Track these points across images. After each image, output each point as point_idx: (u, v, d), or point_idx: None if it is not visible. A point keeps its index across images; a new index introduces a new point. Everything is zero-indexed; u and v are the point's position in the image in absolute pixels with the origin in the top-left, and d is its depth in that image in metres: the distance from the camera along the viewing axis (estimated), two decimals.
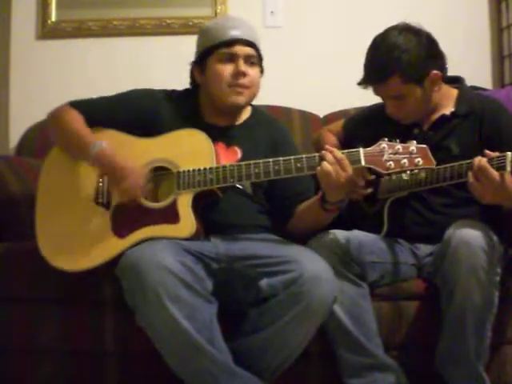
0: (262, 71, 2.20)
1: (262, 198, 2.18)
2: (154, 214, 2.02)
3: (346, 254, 2.06)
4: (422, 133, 2.19)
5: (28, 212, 2.18)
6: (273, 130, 2.26)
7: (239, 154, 2.13)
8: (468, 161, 2.00)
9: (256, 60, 2.16)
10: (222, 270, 1.99)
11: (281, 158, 1.98)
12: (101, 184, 2.10)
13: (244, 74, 2.11)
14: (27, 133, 2.89)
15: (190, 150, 2.06)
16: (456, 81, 2.29)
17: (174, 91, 2.25)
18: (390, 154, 1.91)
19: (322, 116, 2.93)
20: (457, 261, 1.96)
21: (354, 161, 1.92)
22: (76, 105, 2.16)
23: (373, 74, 2.14)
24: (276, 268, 1.94)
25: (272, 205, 2.20)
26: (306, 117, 2.92)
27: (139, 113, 2.14)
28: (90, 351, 2.18)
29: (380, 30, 2.34)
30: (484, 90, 2.66)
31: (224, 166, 2.01)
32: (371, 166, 1.92)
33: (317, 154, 1.96)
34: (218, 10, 3.04)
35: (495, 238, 2.02)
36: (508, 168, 1.90)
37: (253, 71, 2.14)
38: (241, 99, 2.13)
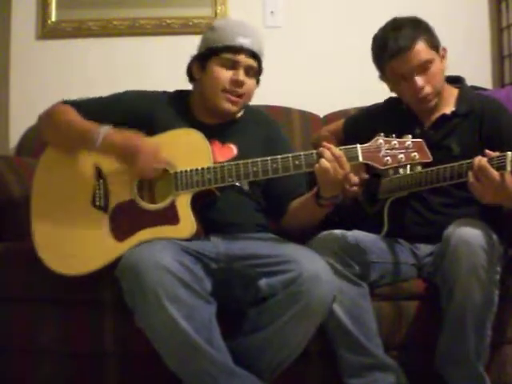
0: (257, 82, 2.20)
1: (260, 196, 2.19)
2: (153, 216, 2.02)
3: (346, 254, 2.06)
4: (423, 132, 2.19)
5: (28, 212, 2.18)
6: (266, 126, 2.27)
7: (235, 151, 2.13)
8: (468, 161, 2.00)
9: (254, 72, 2.17)
10: (221, 270, 1.99)
11: (279, 156, 1.98)
12: (98, 186, 2.09)
13: (242, 84, 2.11)
14: (27, 133, 2.89)
15: (186, 149, 2.06)
16: (457, 81, 2.29)
17: (165, 92, 2.25)
18: (387, 149, 1.92)
19: (322, 116, 2.93)
20: (457, 260, 1.96)
21: (352, 157, 1.93)
22: (69, 103, 2.16)
23: (402, 41, 2.12)
24: (275, 268, 1.94)
25: (266, 202, 2.21)
26: (306, 117, 2.92)
27: (133, 114, 2.14)
28: (89, 352, 2.18)
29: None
30: (484, 89, 2.66)
31: (222, 166, 2.01)
32: (369, 162, 1.93)
33: (314, 151, 1.96)
34: (218, 10, 3.04)
35: (495, 236, 2.02)
36: (508, 168, 1.90)
37: (250, 82, 2.15)
38: (233, 108, 2.15)
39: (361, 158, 1.92)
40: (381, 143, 1.92)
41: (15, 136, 2.94)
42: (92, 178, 2.10)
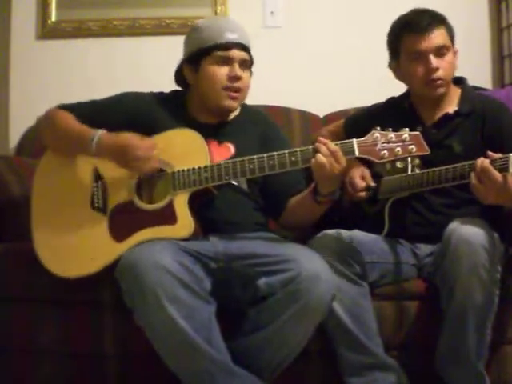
0: (251, 74, 2.20)
1: (258, 194, 2.19)
2: (151, 216, 2.02)
3: (346, 254, 2.07)
4: (425, 131, 2.20)
5: (28, 212, 2.18)
6: (263, 125, 2.26)
7: (232, 150, 2.13)
8: (470, 162, 2.00)
9: (248, 64, 2.16)
10: (220, 270, 1.99)
11: (275, 153, 1.98)
12: (96, 188, 2.09)
13: (240, 78, 2.12)
14: (27, 133, 2.89)
15: (183, 149, 2.06)
16: (459, 81, 2.29)
17: (161, 93, 2.25)
18: (384, 143, 1.91)
19: (322, 116, 2.93)
20: (457, 259, 1.96)
21: (348, 152, 1.92)
22: (65, 107, 2.16)
23: (425, 21, 2.16)
24: (274, 267, 1.93)
25: (264, 200, 2.21)
26: (306, 117, 2.92)
27: (130, 116, 2.14)
28: (89, 352, 2.18)
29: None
30: (484, 89, 2.66)
31: (218, 164, 2.01)
32: (365, 156, 1.93)
33: (311, 147, 1.96)
34: (218, 10, 3.04)
35: (496, 235, 2.02)
36: (511, 169, 1.91)
37: (246, 75, 2.15)
38: (234, 103, 2.15)
39: (357, 153, 1.92)
40: (377, 137, 1.91)
41: (15, 136, 2.94)
42: (91, 179, 2.10)
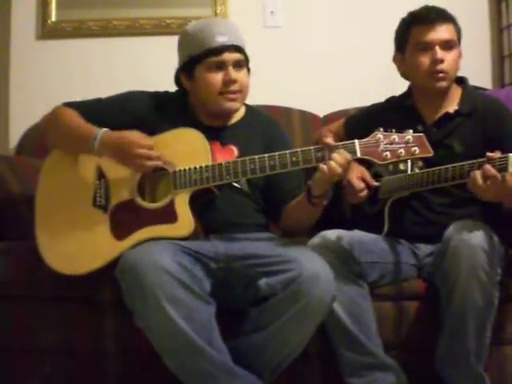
0: (248, 70, 2.17)
1: (259, 196, 2.19)
2: (152, 215, 2.02)
3: (346, 254, 2.07)
4: (426, 130, 2.20)
5: (28, 212, 2.18)
6: (268, 128, 2.25)
7: (236, 153, 2.12)
8: (470, 161, 2.01)
9: (243, 63, 2.14)
10: (221, 270, 1.99)
11: (276, 153, 1.98)
12: (98, 186, 2.10)
13: (235, 81, 2.10)
14: (27, 133, 2.89)
15: (185, 149, 2.06)
16: (460, 81, 2.30)
17: (166, 92, 2.24)
18: (386, 144, 1.90)
19: (321, 116, 2.93)
20: (457, 261, 1.96)
21: (350, 152, 1.92)
22: (70, 105, 2.16)
23: (435, 14, 2.20)
24: (275, 267, 1.93)
25: (265, 204, 2.20)
26: (306, 117, 2.92)
27: (135, 115, 2.14)
28: (89, 351, 2.18)
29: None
30: (484, 89, 2.66)
31: (220, 164, 2.01)
32: (367, 157, 1.92)
33: (312, 148, 1.96)
34: (218, 10, 3.04)
35: (495, 237, 2.02)
36: (510, 169, 1.91)
37: (241, 75, 2.12)
38: (234, 105, 2.13)
39: (359, 153, 1.91)
40: (379, 138, 1.90)
41: (15, 136, 2.94)
42: (94, 177, 2.11)
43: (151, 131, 2.10)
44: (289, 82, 3.02)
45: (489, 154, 1.96)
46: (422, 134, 1.91)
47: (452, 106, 2.24)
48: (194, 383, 1.89)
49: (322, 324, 1.99)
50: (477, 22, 3.07)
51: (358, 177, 2.15)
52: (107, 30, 3.04)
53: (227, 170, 2.00)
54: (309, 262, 1.92)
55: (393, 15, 2.31)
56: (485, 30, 3.09)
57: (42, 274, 2.10)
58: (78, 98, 2.21)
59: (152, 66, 2.99)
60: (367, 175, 2.19)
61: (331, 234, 2.11)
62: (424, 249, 2.20)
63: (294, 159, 1.97)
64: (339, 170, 1.90)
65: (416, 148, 1.88)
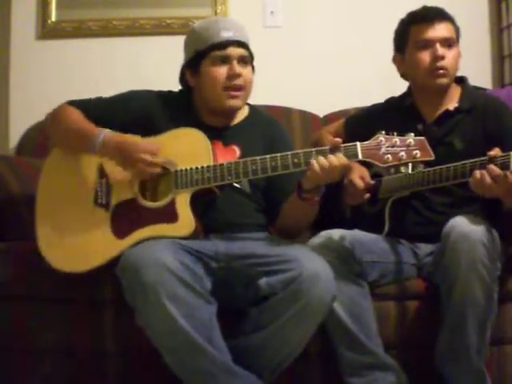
0: (253, 69, 2.19)
1: (260, 197, 2.18)
2: (153, 214, 2.02)
3: (346, 253, 2.07)
4: (426, 128, 2.20)
5: (28, 212, 2.18)
6: (271, 128, 2.25)
7: (238, 153, 2.12)
8: (471, 160, 2.01)
9: (248, 60, 2.15)
10: (221, 269, 1.99)
11: (278, 154, 1.98)
12: (100, 185, 2.10)
13: (239, 75, 2.11)
14: (27, 133, 2.89)
15: (187, 148, 2.06)
16: (460, 80, 2.30)
17: (170, 92, 2.24)
18: (388, 147, 1.90)
19: (321, 116, 2.93)
20: (456, 255, 1.96)
21: (351, 155, 1.92)
22: (74, 103, 2.16)
23: (434, 13, 2.22)
24: (275, 267, 1.93)
25: (266, 205, 2.20)
26: (306, 117, 2.92)
27: (136, 115, 2.14)
28: (89, 351, 2.18)
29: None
30: (484, 90, 2.66)
31: (221, 164, 2.01)
32: (368, 160, 1.92)
33: (314, 149, 1.96)
34: (218, 10, 3.04)
35: (495, 232, 2.02)
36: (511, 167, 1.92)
37: (246, 71, 2.13)
38: (237, 102, 2.13)
39: (360, 156, 1.92)
40: (381, 140, 1.91)
41: (15, 136, 2.94)
42: (95, 176, 2.11)
43: (153, 130, 2.10)
44: (289, 82, 3.02)
45: (490, 152, 1.96)
46: (423, 138, 1.91)
47: (452, 104, 2.25)
48: (193, 382, 1.89)
49: (322, 324, 1.99)
50: (477, 21, 3.07)
51: (358, 176, 2.15)
52: (107, 30, 3.04)
53: (229, 170, 2.00)
54: (309, 262, 1.92)
55: (393, 15, 2.31)
56: (485, 30, 3.09)
57: (42, 273, 2.10)
58: (79, 98, 2.21)
59: (152, 66, 2.99)
60: (367, 175, 2.19)
61: (331, 233, 2.11)
62: (424, 248, 2.20)
63: (295, 160, 1.97)
64: (321, 173, 1.90)
65: (417, 151, 1.89)
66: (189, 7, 3.05)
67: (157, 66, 2.98)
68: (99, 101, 2.19)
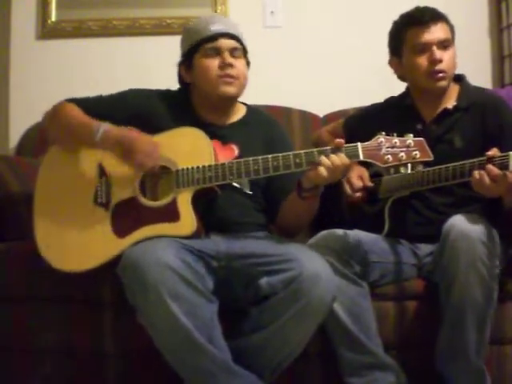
0: (248, 63, 2.20)
1: (260, 196, 2.19)
2: (154, 213, 2.02)
3: (346, 254, 2.07)
4: (425, 127, 2.20)
5: (28, 212, 2.17)
6: (269, 128, 2.26)
7: (236, 151, 2.13)
8: (471, 160, 2.01)
9: (241, 52, 2.16)
10: (222, 269, 1.99)
11: (280, 154, 1.98)
12: (100, 184, 2.10)
13: (231, 65, 2.12)
14: (27, 133, 2.89)
15: (188, 148, 2.06)
16: (458, 78, 2.30)
17: (169, 91, 2.25)
18: (388, 147, 1.92)
19: (321, 116, 2.93)
20: (455, 254, 1.96)
21: (352, 155, 1.93)
22: (73, 101, 2.17)
23: (429, 15, 2.21)
24: (276, 266, 1.94)
25: (266, 203, 2.21)
26: (306, 117, 2.92)
27: (135, 112, 2.14)
28: (89, 351, 2.18)
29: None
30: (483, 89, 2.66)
31: (223, 164, 2.01)
32: (369, 160, 1.93)
33: (315, 150, 1.96)
34: (218, 10, 3.04)
35: (494, 231, 2.02)
36: (511, 168, 1.92)
37: (239, 63, 2.15)
38: (231, 89, 2.14)
39: (361, 157, 1.92)
40: (381, 141, 1.92)
41: (15, 136, 2.94)
42: (95, 175, 2.10)
43: (153, 128, 2.10)
44: (289, 82, 3.02)
45: (488, 153, 1.97)
46: (422, 139, 1.92)
47: (450, 103, 2.25)
48: (194, 381, 1.89)
49: (322, 324, 1.99)
50: (477, 22, 3.07)
51: (357, 176, 2.16)
52: (107, 30, 3.04)
53: (230, 170, 2.00)
54: (309, 262, 1.93)
55: (393, 15, 2.31)
56: (485, 30, 3.09)
57: (42, 274, 2.09)
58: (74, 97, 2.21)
59: (152, 66, 2.99)
60: (366, 176, 2.19)
61: (331, 233, 2.11)
62: (424, 248, 2.20)
63: (297, 161, 1.97)
64: (326, 173, 1.91)
65: (417, 152, 1.91)
66: (189, 7, 3.05)
67: (157, 65, 2.98)
68: (99, 99, 2.19)
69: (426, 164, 2.05)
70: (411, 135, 1.92)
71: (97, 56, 3.04)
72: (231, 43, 2.13)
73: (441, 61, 2.18)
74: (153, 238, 1.95)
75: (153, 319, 1.87)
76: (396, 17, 2.30)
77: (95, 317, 2.16)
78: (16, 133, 2.94)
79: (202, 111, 2.20)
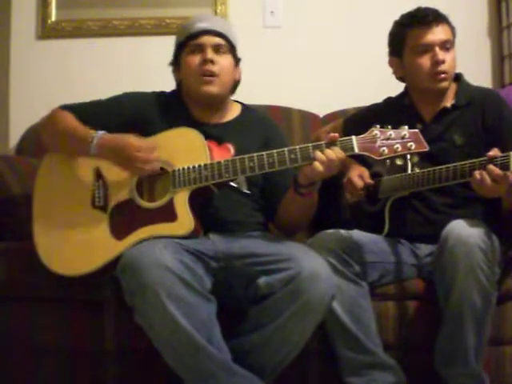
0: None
1: (258, 195, 2.19)
2: (152, 214, 2.02)
3: (345, 253, 2.07)
4: (425, 127, 2.21)
5: (28, 212, 2.18)
6: (265, 127, 2.26)
7: (232, 151, 2.13)
8: (471, 161, 2.01)
9: (226, 49, 2.17)
10: (221, 269, 1.99)
11: (274, 151, 1.98)
12: (97, 187, 2.10)
13: (212, 62, 2.13)
14: (27, 133, 2.88)
15: (183, 148, 2.07)
16: (456, 77, 2.30)
17: (163, 93, 2.26)
18: (383, 139, 1.91)
19: (321, 116, 2.93)
20: (454, 260, 1.96)
21: (347, 148, 1.93)
22: (67, 108, 2.17)
23: (431, 16, 2.21)
24: (274, 266, 1.94)
25: (264, 202, 2.21)
26: (306, 117, 2.92)
27: (132, 117, 2.15)
28: (89, 351, 2.18)
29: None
30: None
31: (218, 162, 2.01)
32: (364, 153, 1.93)
33: (310, 145, 1.96)
34: (218, 10, 3.04)
35: (494, 236, 2.02)
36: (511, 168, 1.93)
37: (222, 59, 2.16)
38: (211, 88, 2.15)
39: (356, 149, 1.92)
40: (376, 134, 1.92)
41: (15, 136, 2.94)
42: (92, 178, 2.11)
43: (148, 131, 2.11)
44: (289, 82, 3.02)
45: (489, 153, 1.97)
46: (417, 130, 1.93)
47: (449, 101, 2.26)
48: (194, 381, 1.89)
49: (322, 323, 2.00)
50: (477, 22, 3.07)
51: (358, 175, 2.16)
52: (107, 30, 3.04)
53: (226, 168, 2.00)
54: (308, 261, 1.93)
55: (393, 15, 2.31)
56: (485, 30, 3.09)
57: (42, 274, 2.09)
58: (78, 98, 2.21)
59: (152, 66, 2.98)
60: (367, 174, 2.19)
61: (331, 233, 2.11)
62: (424, 249, 2.20)
63: (292, 156, 1.97)
64: (321, 168, 1.91)
65: (412, 143, 1.90)
66: (189, 7, 3.05)
67: (157, 65, 2.95)
68: (93, 104, 2.19)
69: (428, 162, 2.06)
70: (406, 127, 1.92)
71: (97, 56, 3.03)
72: (214, 40, 2.15)
73: (443, 62, 2.18)
74: (151, 239, 1.95)
75: (151, 320, 1.87)
76: (397, 17, 2.30)
77: (95, 317, 2.16)
78: (16, 133, 2.93)
79: (194, 111, 2.20)
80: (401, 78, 2.33)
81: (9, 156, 2.85)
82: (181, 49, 2.18)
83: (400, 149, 1.90)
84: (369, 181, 2.19)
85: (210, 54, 2.13)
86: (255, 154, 1.99)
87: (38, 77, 3.01)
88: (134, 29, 3.05)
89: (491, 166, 1.94)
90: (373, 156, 1.92)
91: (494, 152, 1.97)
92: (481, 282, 1.94)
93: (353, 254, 2.08)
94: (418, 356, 2.16)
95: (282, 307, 1.91)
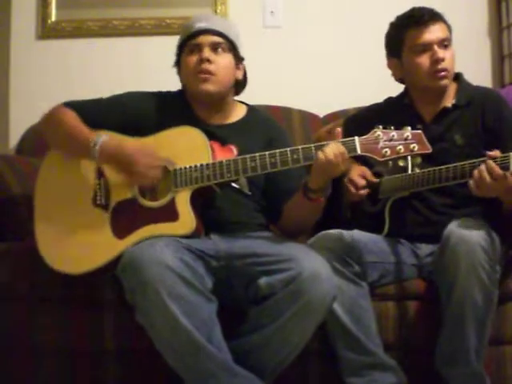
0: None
1: (260, 197, 2.19)
2: (153, 213, 2.02)
3: (345, 254, 2.07)
4: (425, 127, 2.20)
5: (28, 212, 2.18)
6: (269, 128, 2.26)
7: (235, 152, 2.13)
8: (471, 161, 2.02)
9: (225, 47, 2.17)
10: (222, 268, 1.99)
11: (277, 151, 1.98)
12: (99, 185, 2.10)
13: (208, 61, 2.12)
14: (27, 133, 2.89)
15: (185, 147, 2.06)
16: (455, 76, 2.30)
17: (168, 92, 2.26)
18: (385, 141, 1.91)
19: (321, 116, 2.93)
20: (456, 259, 1.96)
21: (350, 149, 1.93)
22: (70, 105, 2.16)
23: (428, 15, 2.21)
24: (275, 266, 1.94)
25: (266, 204, 2.20)
26: (306, 117, 2.92)
27: (134, 116, 2.15)
28: (89, 351, 2.18)
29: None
30: None
31: (220, 162, 2.01)
32: (367, 154, 1.93)
33: (312, 145, 1.96)
34: (218, 10, 3.04)
35: (495, 235, 2.02)
36: (511, 168, 1.93)
37: (220, 58, 2.15)
38: (208, 86, 2.14)
39: (359, 150, 1.92)
40: (379, 135, 1.92)
41: (15, 136, 2.94)
42: (93, 177, 2.11)
43: (151, 131, 2.11)
44: (289, 82, 3.02)
45: (490, 153, 1.97)
46: (420, 131, 1.92)
47: (449, 101, 2.26)
48: (194, 381, 1.89)
49: (322, 323, 1.99)
50: (477, 21, 3.07)
51: (359, 174, 2.17)
52: (107, 30, 3.05)
53: (228, 167, 2.00)
54: (309, 261, 1.93)
55: (393, 15, 2.31)
56: (485, 30, 3.09)
57: (42, 274, 2.10)
58: (78, 98, 2.20)
59: (152, 66, 2.99)
60: (368, 173, 2.20)
61: (331, 233, 2.11)
62: (424, 249, 2.20)
63: (294, 156, 1.97)
64: (332, 157, 1.90)
65: (415, 144, 1.90)
66: (189, 7, 3.05)
67: (157, 65, 2.96)
68: (96, 103, 2.19)
69: (429, 162, 2.06)
70: (409, 128, 1.92)
71: (97, 56, 3.03)
72: (212, 39, 2.14)
73: (443, 59, 2.19)
74: (152, 238, 1.95)
75: (152, 319, 1.87)
76: (395, 16, 2.30)
77: (95, 316, 2.16)
78: (16, 133, 2.94)
79: (199, 111, 2.20)
80: (400, 80, 2.33)
81: (9, 156, 2.85)
82: (181, 49, 2.19)
83: (403, 150, 1.90)
84: (371, 178, 2.19)
85: (206, 53, 2.13)
86: (257, 154, 1.99)
87: (38, 77, 3.01)
88: (134, 29, 3.05)
89: (491, 163, 1.94)
90: (375, 157, 1.92)
91: (495, 152, 1.97)
92: (482, 280, 1.94)
93: (353, 254, 2.08)
94: (419, 356, 2.16)
95: (283, 308, 1.90)
